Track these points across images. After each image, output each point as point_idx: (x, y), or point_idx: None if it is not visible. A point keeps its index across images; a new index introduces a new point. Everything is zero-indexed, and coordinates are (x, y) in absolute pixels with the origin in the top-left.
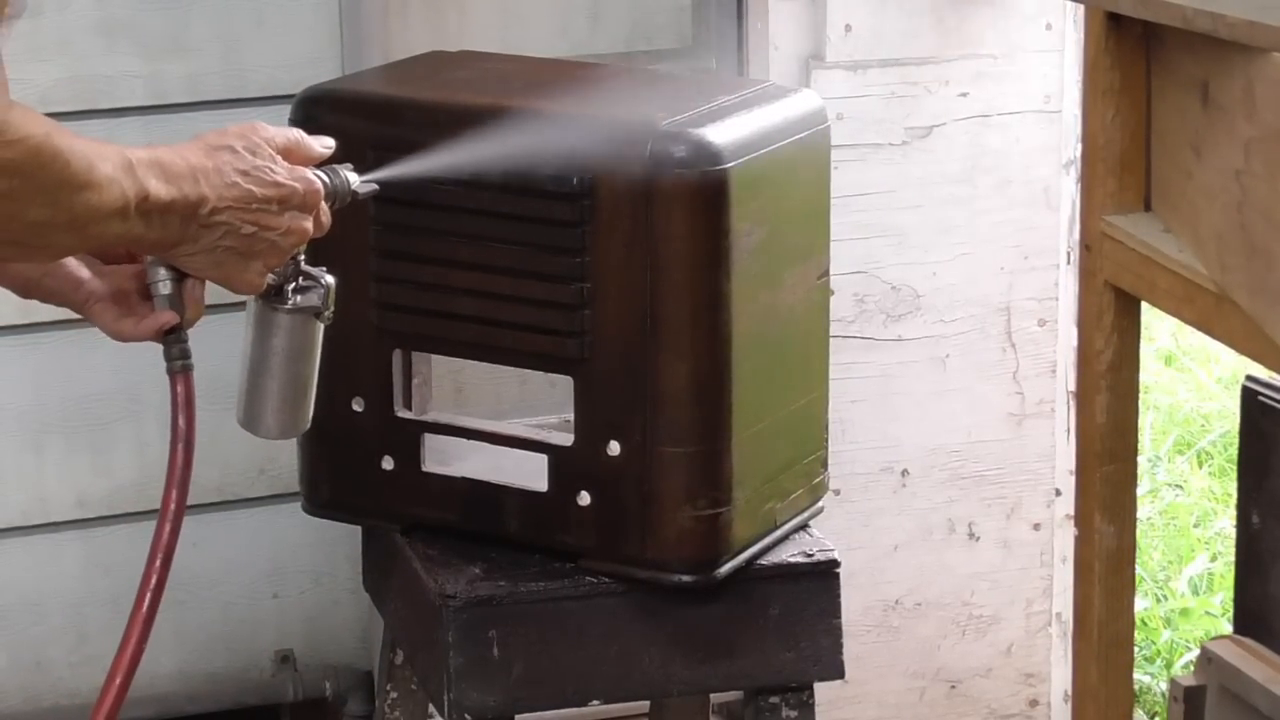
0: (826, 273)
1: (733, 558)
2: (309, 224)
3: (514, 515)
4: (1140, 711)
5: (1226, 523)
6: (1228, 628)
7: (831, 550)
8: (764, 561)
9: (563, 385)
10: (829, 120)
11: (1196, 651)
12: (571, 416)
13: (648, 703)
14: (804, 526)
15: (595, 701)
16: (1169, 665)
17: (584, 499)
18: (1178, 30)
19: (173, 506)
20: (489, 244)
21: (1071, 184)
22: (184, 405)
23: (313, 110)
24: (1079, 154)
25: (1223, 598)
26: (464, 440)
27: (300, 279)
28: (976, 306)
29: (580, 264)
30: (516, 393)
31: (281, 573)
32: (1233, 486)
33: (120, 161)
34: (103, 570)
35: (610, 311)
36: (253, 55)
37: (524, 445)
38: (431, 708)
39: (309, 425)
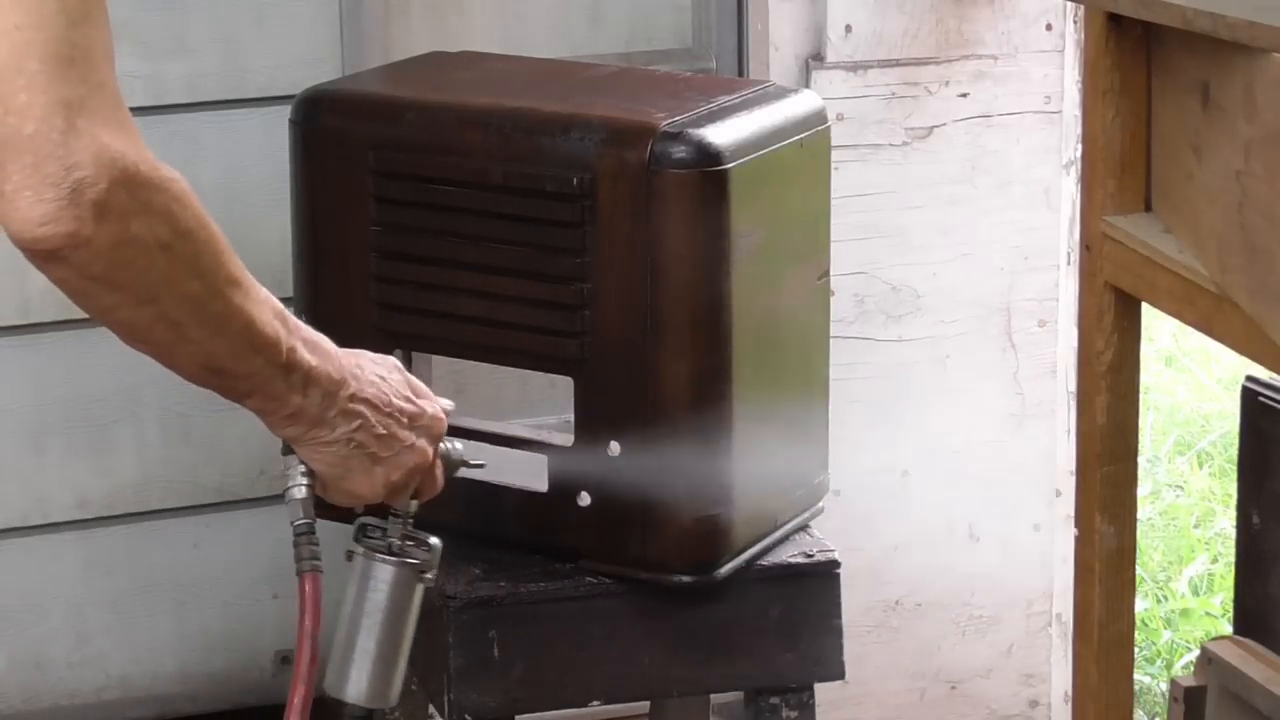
0: (826, 273)
1: (733, 558)
2: (431, 452)
3: (514, 516)
4: (1140, 712)
5: (1226, 523)
6: (1228, 628)
7: (832, 550)
8: (764, 562)
9: (563, 385)
10: (829, 120)
11: (1197, 652)
12: (571, 416)
13: (648, 703)
14: (804, 527)
15: (595, 702)
16: (1169, 666)
17: (584, 499)
18: (1178, 31)
19: (297, 701)
20: (489, 244)
21: (1071, 184)
22: (310, 605)
23: (313, 110)
24: (1079, 154)
25: (1223, 598)
26: (464, 441)
27: (407, 539)
28: (976, 307)
29: (580, 264)
30: (517, 393)
31: (282, 573)
32: (1233, 487)
33: (269, 299)
34: (103, 570)
35: (610, 311)
36: (253, 55)
37: (524, 445)
38: (431, 708)
39: (396, 701)
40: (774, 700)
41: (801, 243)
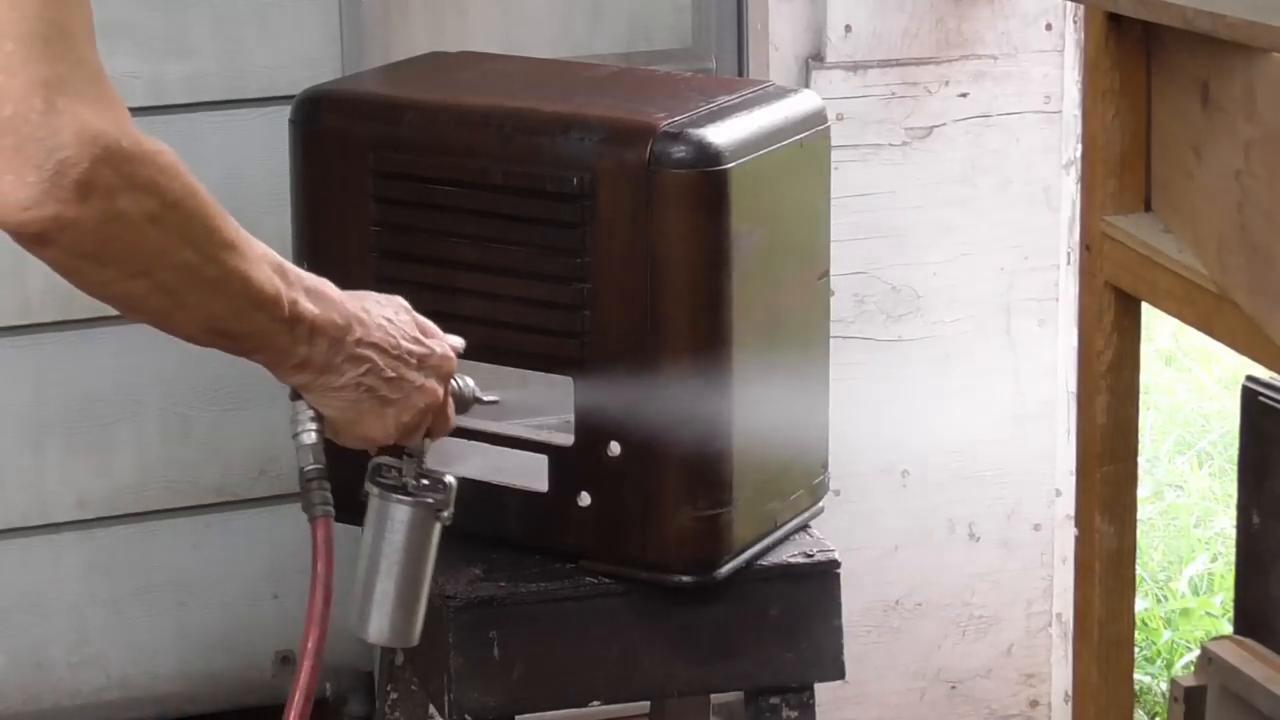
0: (826, 273)
1: (733, 558)
2: (441, 392)
3: (514, 516)
4: (1141, 712)
5: (1226, 523)
6: (1228, 628)
7: (832, 550)
8: (764, 562)
9: (563, 385)
10: (829, 120)
11: (1197, 652)
12: (571, 416)
13: (648, 703)
14: (804, 527)
15: (595, 702)
16: (1169, 665)
17: (584, 499)
18: (1178, 31)
19: (310, 645)
20: (489, 244)
21: (1071, 184)
22: (323, 550)
23: (313, 111)
24: (1079, 154)
25: (1223, 598)
26: (464, 441)
27: (421, 478)
28: (976, 307)
29: (580, 264)
30: (516, 393)
31: (282, 573)
32: (1233, 486)
33: (267, 254)
34: (103, 571)
35: (610, 312)
36: (253, 55)
37: (524, 446)
38: (431, 708)
39: (417, 640)
40: (774, 700)
41: (801, 243)
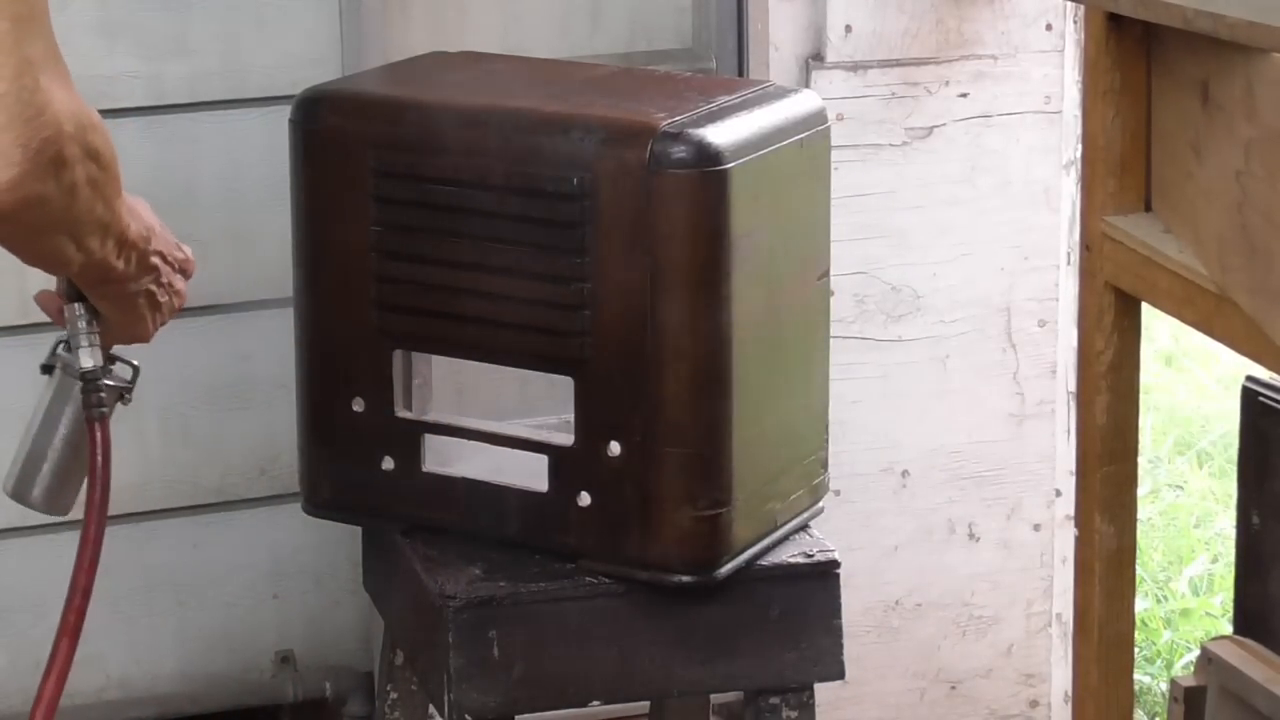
0: (826, 273)
1: (733, 558)
2: (185, 297)
3: (514, 516)
4: (1140, 712)
5: (1226, 523)
6: (1228, 628)
7: (832, 551)
8: (764, 562)
9: (563, 385)
10: (829, 120)
11: (1197, 652)
12: (571, 416)
13: (648, 703)
14: (804, 527)
15: (595, 702)
16: (1169, 666)
17: (584, 499)
18: (1178, 31)
19: (91, 533)
20: (489, 244)
21: (1071, 184)
22: (102, 447)
23: (313, 110)
24: (1079, 154)
25: (1223, 598)
26: (464, 441)
27: (108, 362)
28: (976, 307)
29: (580, 264)
30: (516, 393)
31: (282, 573)
32: (1233, 487)
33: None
34: (102, 570)
35: (610, 311)
36: (253, 55)
37: (524, 445)
38: (431, 708)
39: (70, 510)
40: (774, 700)
41: (801, 243)
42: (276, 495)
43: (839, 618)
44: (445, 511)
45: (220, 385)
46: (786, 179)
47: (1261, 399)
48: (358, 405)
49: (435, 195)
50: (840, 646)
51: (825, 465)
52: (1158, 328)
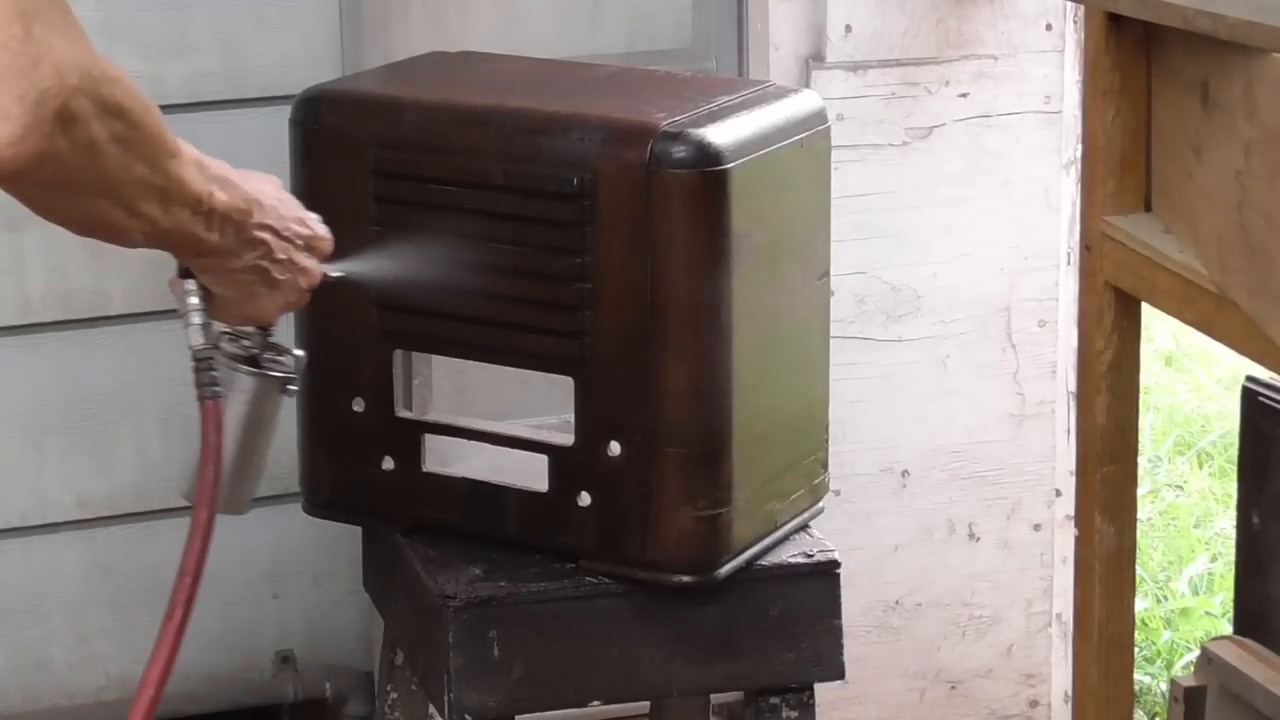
0: (826, 273)
1: (733, 558)
2: (319, 274)
3: (514, 516)
4: (1140, 712)
5: (1226, 523)
6: (1228, 628)
7: (832, 551)
8: (764, 562)
9: (563, 385)
10: (829, 121)
11: (1197, 652)
12: (571, 416)
13: (648, 703)
14: (804, 527)
15: (595, 702)
16: (1169, 666)
17: (584, 499)
18: (1178, 31)
19: (204, 518)
20: (489, 244)
21: (1071, 184)
22: (212, 426)
23: (313, 110)
24: (1079, 154)
25: (1223, 598)
26: (464, 440)
27: (268, 350)
28: (976, 307)
29: (580, 264)
30: (516, 393)
31: (282, 573)
32: (1233, 487)
33: (190, 151)
34: (103, 571)
35: (610, 311)
36: (253, 55)
37: (524, 445)
38: (431, 708)
39: (248, 509)
40: (774, 700)
41: (801, 243)
42: (276, 495)
43: (839, 618)
44: (445, 511)
45: None
46: (786, 179)
47: (1261, 399)
48: (358, 405)
49: (435, 195)
50: (840, 647)
51: (825, 465)
52: (1158, 328)
